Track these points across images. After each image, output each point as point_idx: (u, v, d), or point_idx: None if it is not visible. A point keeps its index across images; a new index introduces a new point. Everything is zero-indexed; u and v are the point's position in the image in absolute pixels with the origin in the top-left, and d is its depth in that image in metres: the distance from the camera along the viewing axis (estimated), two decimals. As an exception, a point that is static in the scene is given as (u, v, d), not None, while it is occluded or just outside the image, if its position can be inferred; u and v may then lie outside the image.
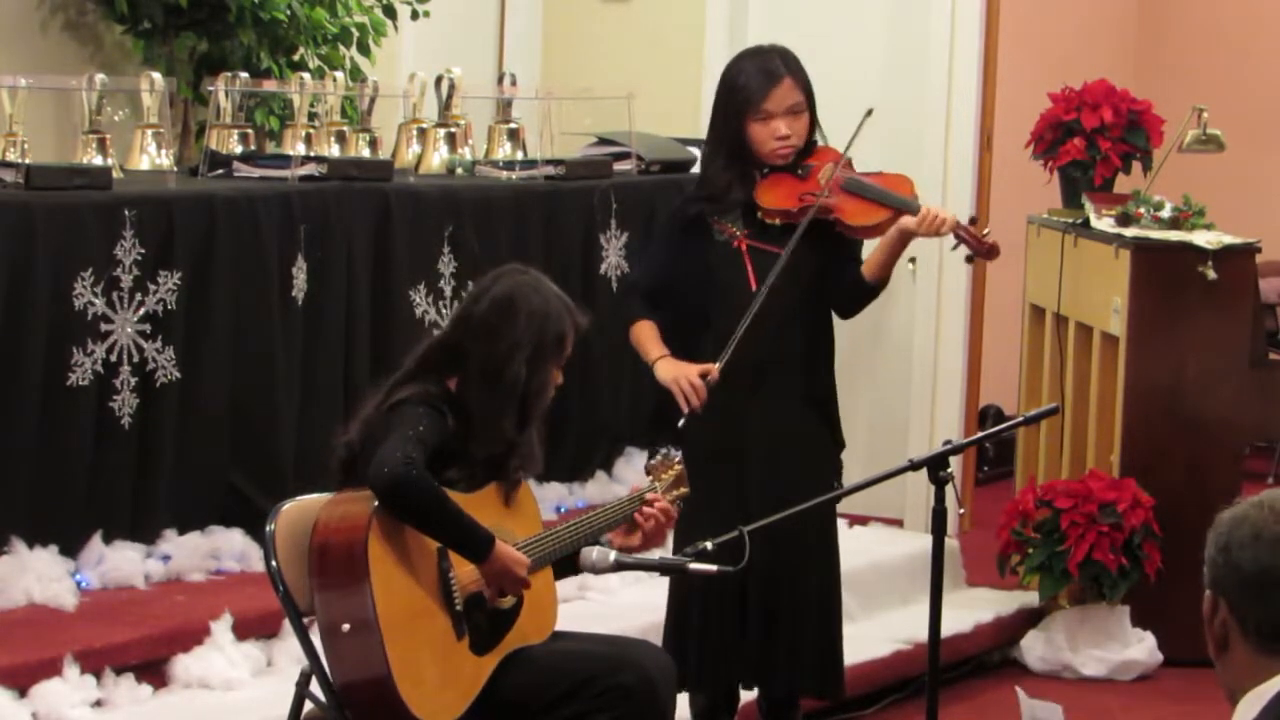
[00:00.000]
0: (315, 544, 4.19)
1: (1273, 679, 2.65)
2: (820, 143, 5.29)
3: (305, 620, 4.28)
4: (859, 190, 5.17)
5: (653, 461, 4.75)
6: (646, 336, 5.21)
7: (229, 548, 5.78)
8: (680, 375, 5.07)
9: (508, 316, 4.36)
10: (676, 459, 4.79)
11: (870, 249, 5.28)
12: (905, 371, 7.85)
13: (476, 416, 4.33)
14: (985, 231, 5.22)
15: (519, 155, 7.03)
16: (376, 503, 4.14)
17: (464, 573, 4.27)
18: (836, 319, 5.31)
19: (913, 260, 7.50)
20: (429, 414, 4.25)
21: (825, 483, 5.13)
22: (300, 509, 4.32)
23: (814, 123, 5.24)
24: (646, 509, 4.55)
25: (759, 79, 5.14)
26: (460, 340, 4.40)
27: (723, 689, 5.29)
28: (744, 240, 5.15)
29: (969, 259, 5.26)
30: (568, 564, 4.49)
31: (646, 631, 5.22)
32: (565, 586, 5.76)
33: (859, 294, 5.23)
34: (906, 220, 5.13)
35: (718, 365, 5.03)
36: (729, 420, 5.13)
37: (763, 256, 5.14)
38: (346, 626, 4.13)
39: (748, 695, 5.43)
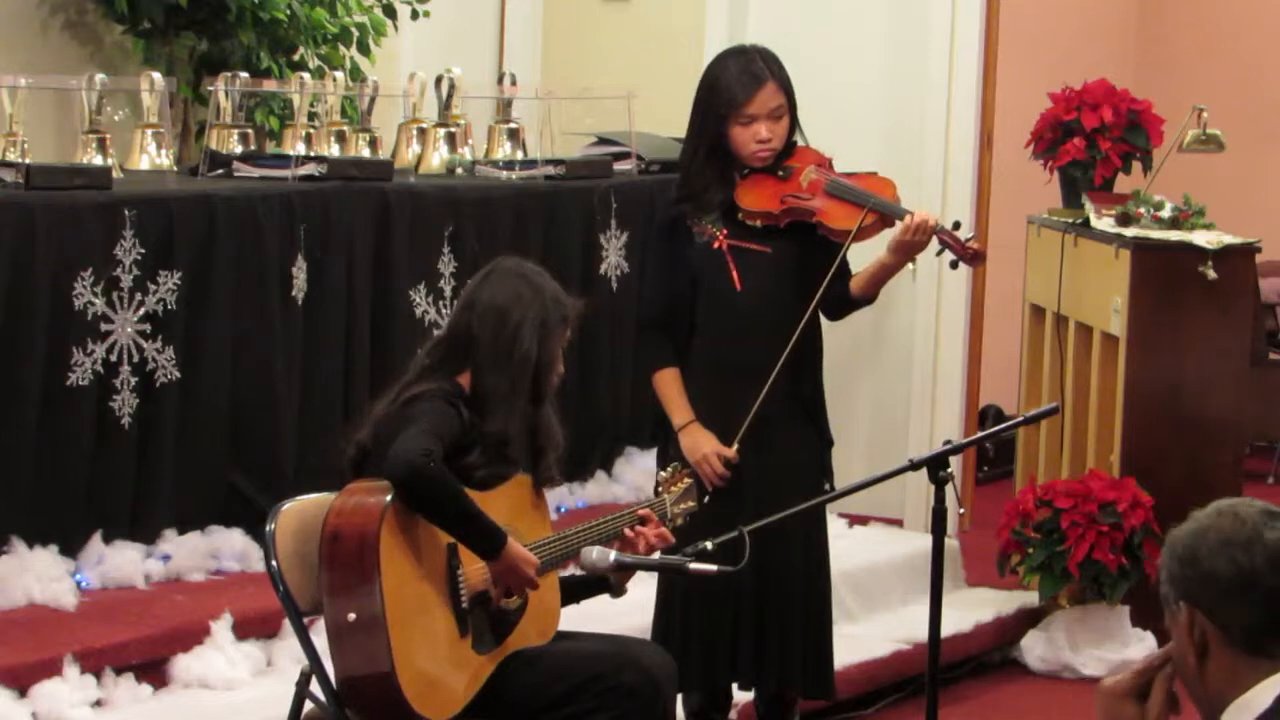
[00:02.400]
0: (327, 531, 4.20)
1: (1255, 687, 2.66)
2: (800, 143, 5.29)
3: (305, 620, 4.29)
4: (842, 193, 5.17)
5: (663, 474, 4.79)
6: (670, 392, 5.20)
7: (229, 548, 5.78)
8: (704, 458, 5.08)
9: (514, 295, 4.42)
10: (686, 472, 4.81)
11: (860, 250, 5.29)
12: (905, 371, 7.84)
13: (493, 400, 4.36)
14: (969, 237, 5.22)
15: (519, 155, 7.03)
16: (391, 495, 4.15)
17: (472, 571, 4.28)
18: (825, 319, 5.32)
19: (913, 259, 7.49)
20: (444, 409, 4.28)
21: (816, 481, 5.14)
22: (300, 509, 4.33)
23: (794, 124, 5.24)
24: (641, 529, 4.56)
25: (742, 81, 5.13)
26: (468, 325, 4.44)
27: (712, 688, 5.28)
28: (724, 240, 5.15)
29: (954, 264, 5.25)
30: (584, 588, 4.53)
31: (646, 631, 5.22)
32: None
33: (846, 305, 5.26)
34: (893, 235, 5.13)
35: (735, 446, 5.06)
36: (719, 422, 5.13)
37: (745, 256, 5.14)
38: (353, 616, 4.14)
39: (745, 695, 5.43)
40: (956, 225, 5.21)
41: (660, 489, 4.73)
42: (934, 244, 5.18)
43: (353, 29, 7.46)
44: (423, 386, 4.35)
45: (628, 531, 4.54)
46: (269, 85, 6.95)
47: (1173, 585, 2.73)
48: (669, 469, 4.80)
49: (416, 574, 4.20)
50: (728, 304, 5.13)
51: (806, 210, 5.14)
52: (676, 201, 5.22)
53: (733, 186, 5.17)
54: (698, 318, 5.19)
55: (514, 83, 7.18)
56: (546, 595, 4.46)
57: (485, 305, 4.43)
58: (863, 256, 5.28)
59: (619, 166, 7.21)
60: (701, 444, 5.11)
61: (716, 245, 5.14)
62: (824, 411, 5.28)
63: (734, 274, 5.13)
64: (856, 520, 7.50)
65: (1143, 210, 7.19)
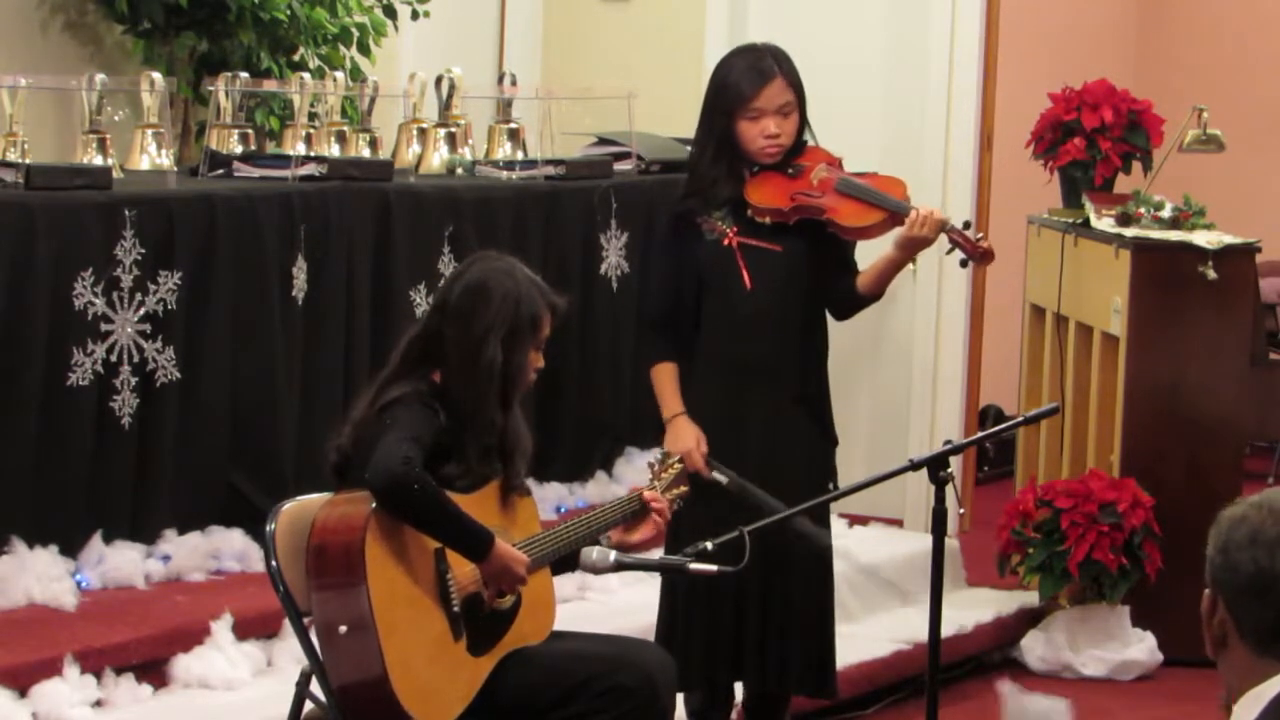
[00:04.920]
0: (312, 545, 4.19)
1: (1270, 679, 2.65)
2: (810, 142, 5.29)
3: (305, 620, 4.29)
4: (852, 191, 5.18)
5: (652, 460, 4.79)
6: (664, 385, 5.21)
7: (229, 548, 5.78)
8: (690, 450, 5.06)
9: (481, 299, 4.36)
10: (676, 459, 4.81)
11: (863, 250, 5.30)
12: (905, 371, 7.85)
13: (463, 404, 4.33)
14: (979, 236, 5.22)
15: (519, 155, 7.02)
16: (374, 504, 4.14)
17: (462, 574, 4.27)
18: (830, 318, 5.32)
19: (913, 259, 7.50)
20: (421, 413, 4.25)
21: (821, 481, 5.15)
22: (300, 509, 4.32)
23: (804, 122, 5.24)
24: (655, 506, 4.57)
25: (750, 77, 5.14)
26: (438, 327, 4.41)
27: (716, 686, 5.28)
28: (734, 238, 5.15)
29: (963, 263, 5.26)
30: (566, 560, 4.51)
31: (646, 631, 5.22)
32: (565, 586, 5.78)
33: (853, 303, 5.26)
34: (899, 231, 5.14)
35: (714, 472, 5.02)
36: (726, 420, 5.14)
37: (755, 254, 5.14)
38: (344, 629, 4.13)
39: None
40: (966, 225, 5.22)
41: (653, 477, 4.74)
42: (944, 243, 5.18)
43: (353, 29, 7.46)
44: (399, 390, 4.32)
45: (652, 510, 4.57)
46: (269, 85, 6.95)
47: (1209, 566, 2.71)
48: (660, 455, 4.80)
49: (405, 580, 4.18)
50: (737, 302, 5.13)
51: (816, 208, 5.15)
52: (684, 198, 5.23)
53: (742, 183, 5.18)
54: (705, 315, 5.19)
55: (514, 83, 7.18)
56: (541, 594, 4.45)
57: (453, 309, 4.39)
58: (870, 254, 5.29)
59: (619, 166, 7.21)
60: (684, 438, 5.10)
61: (726, 243, 5.14)
62: (829, 411, 5.28)
63: (744, 272, 5.13)
64: (856, 520, 7.50)
65: (1143, 210, 7.20)
